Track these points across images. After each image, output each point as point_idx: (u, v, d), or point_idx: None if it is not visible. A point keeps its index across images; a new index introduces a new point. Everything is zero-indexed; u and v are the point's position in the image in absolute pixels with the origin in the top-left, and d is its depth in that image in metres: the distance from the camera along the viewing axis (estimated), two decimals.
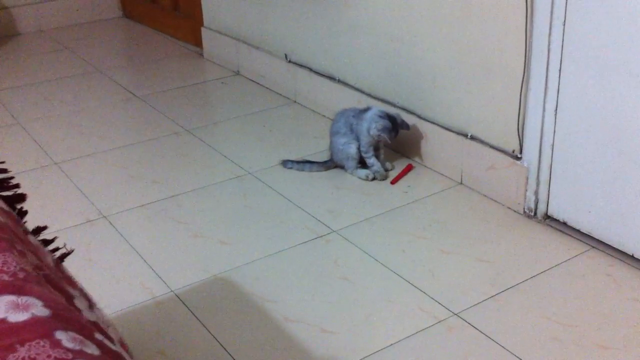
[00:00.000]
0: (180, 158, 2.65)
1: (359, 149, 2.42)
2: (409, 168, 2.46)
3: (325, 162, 2.50)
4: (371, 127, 2.36)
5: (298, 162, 2.50)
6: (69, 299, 0.97)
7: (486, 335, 1.69)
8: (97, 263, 2.02)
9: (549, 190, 2.11)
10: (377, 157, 2.45)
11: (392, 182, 2.38)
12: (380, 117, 2.37)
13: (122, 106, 3.16)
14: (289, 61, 3.09)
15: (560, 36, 1.92)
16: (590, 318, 1.74)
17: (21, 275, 0.86)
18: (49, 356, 0.71)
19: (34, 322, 0.77)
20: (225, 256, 2.04)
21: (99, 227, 2.20)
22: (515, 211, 2.20)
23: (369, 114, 2.40)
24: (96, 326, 0.92)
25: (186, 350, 1.68)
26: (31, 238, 1.12)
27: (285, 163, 2.51)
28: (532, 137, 2.09)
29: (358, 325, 1.75)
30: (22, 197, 1.33)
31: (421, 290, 1.86)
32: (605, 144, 1.90)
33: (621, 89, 1.82)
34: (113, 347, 0.82)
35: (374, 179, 2.42)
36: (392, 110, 2.46)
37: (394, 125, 2.36)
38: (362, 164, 2.46)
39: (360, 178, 2.42)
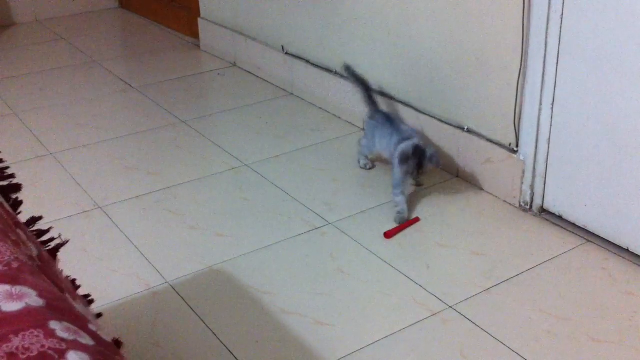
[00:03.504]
0: (176, 149, 2.64)
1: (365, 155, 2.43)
2: (415, 220, 2.13)
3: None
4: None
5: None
6: (63, 290, 0.96)
7: (481, 328, 1.69)
8: (92, 254, 2.02)
9: (544, 184, 2.11)
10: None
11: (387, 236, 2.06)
12: (403, 145, 2.15)
13: (118, 97, 3.15)
14: (286, 53, 3.08)
15: (558, 30, 1.92)
16: (584, 311, 1.74)
17: (15, 265, 0.86)
18: (43, 346, 0.71)
19: (28, 312, 0.77)
20: (220, 248, 2.03)
21: (95, 218, 2.19)
22: (511, 204, 2.20)
23: (401, 146, 2.17)
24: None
25: (181, 342, 1.68)
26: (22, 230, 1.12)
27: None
28: (529, 130, 2.09)
29: (353, 317, 1.75)
30: (17, 187, 1.32)
31: (416, 283, 1.86)
32: (602, 137, 1.90)
33: (618, 83, 1.82)
34: (107, 338, 0.82)
35: (371, 167, 2.44)
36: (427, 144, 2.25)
37: (417, 154, 2.11)
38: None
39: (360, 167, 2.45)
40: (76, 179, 2.43)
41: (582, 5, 1.84)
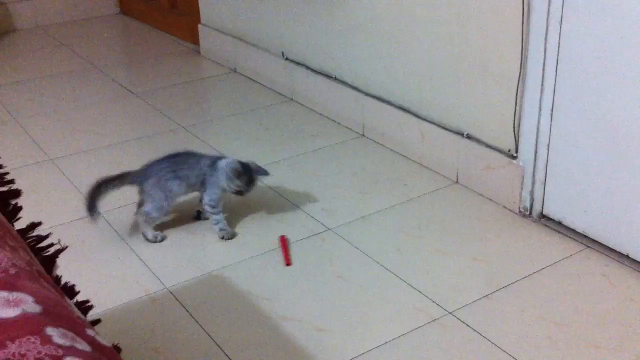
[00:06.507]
0: None
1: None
2: (283, 242, 2.07)
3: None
4: (224, 177, 2.07)
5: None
6: (62, 295, 0.96)
7: (480, 334, 1.69)
8: (91, 260, 2.02)
9: (544, 190, 2.11)
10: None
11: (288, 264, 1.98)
12: (224, 163, 2.07)
13: (118, 103, 3.16)
14: (286, 59, 3.09)
15: (557, 36, 1.92)
16: (584, 318, 1.74)
17: (13, 271, 0.86)
18: (39, 353, 0.71)
19: (25, 318, 0.77)
20: (220, 254, 2.03)
21: (94, 224, 2.19)
22: (511, 210, 2.20)
23: (222, 164, 2.08)
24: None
25: (180, 348, 1.67)
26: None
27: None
28: (528, 136, 2.08)
29: (353, 323, 1.75)
30: (17, 193, 1.32)
31: (416, 289, 1.86)
32: (601, 144, 1.90)
33: (617, 89, 1.82)
34: (105, 343, 0.82)
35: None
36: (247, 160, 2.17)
37: (247, 171, 2.07)
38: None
39: (148, 240, 2.10)
40: (76, 185, 2.43)
41: (581, 11, 1.84)
